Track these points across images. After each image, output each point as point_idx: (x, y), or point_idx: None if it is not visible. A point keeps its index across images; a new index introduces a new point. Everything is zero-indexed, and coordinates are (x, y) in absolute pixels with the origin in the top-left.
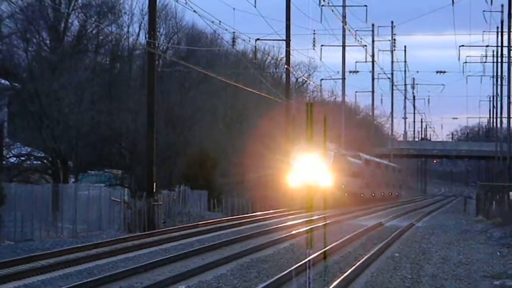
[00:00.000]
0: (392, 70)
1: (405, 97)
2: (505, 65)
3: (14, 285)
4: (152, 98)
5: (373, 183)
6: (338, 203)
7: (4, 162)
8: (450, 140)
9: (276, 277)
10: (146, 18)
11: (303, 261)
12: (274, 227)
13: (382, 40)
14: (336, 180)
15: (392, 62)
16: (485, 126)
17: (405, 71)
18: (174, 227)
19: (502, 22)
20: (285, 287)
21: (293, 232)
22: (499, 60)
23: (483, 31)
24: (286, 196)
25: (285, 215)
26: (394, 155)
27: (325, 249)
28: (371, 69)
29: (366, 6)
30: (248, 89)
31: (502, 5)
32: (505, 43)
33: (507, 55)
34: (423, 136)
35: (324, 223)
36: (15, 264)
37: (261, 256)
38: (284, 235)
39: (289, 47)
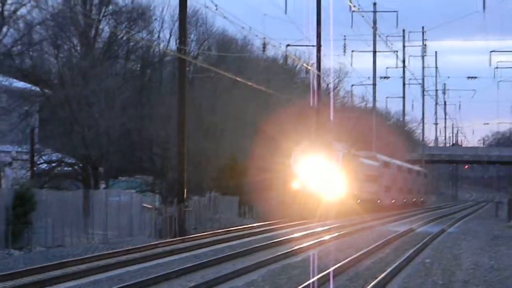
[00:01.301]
0: (423, 76)
1: (436, 103)
2: None
3: None
4: (183, 104)
5: (393, 188)
6: (349, 212)
7: (35, 168)
8: (482, 145)
9: (306, 283)
10: (176, 24)
11: (328, 270)
12: (301, 234)
13: (413, 46)
14: (347, 185)
15: (423, 67)
16: None
17: (436, 76)
18: (205, 233)
19: None
20: None
21: (320, 239)
22: None
23: None
24: (286, 204)
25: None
26: (425, 160)
27: None
28: (402, 75)
29: (396, 11)
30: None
31: None
32: None
33: None
34: (454, 141)
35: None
36: (46, 270)
37: (291, 262)
38: (312, 242)
39: (320, 53)
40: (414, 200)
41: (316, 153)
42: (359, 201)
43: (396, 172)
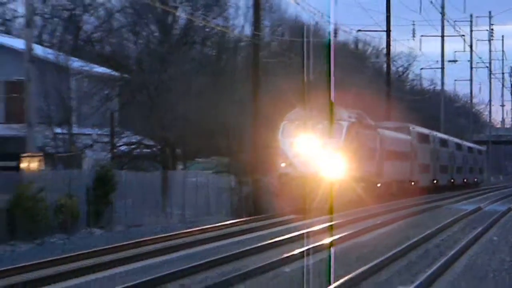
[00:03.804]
0: (490, 59)
1: (503, 85)
2: None
3: (125, 269)
4: (257, 88)
5: (433, 167)
6: (362, 200)
7: (115, 150)
8: None
9: (373, 263)
10: (251, 10)
11: (395, 251)
12: (372, 213)
13: (480, 30)
14: (355, 165)
15: (490, 51)
16: None
17: (502, 60)
18: (281, 212)
19: None
20: (378, 274)
21: (388, 219)
22: None
23: None
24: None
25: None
26: (492, 141)
27: None
28: (469, 59)
29: None
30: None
31: None
32: None
33: None
34: None
35: None
36: (125, 248)
37: (362, 240)
38: (379, 222)
39: (390, 38)
40: (465, 180)
41: (311, 124)
42: (379, 185)
43: (439, 148)
